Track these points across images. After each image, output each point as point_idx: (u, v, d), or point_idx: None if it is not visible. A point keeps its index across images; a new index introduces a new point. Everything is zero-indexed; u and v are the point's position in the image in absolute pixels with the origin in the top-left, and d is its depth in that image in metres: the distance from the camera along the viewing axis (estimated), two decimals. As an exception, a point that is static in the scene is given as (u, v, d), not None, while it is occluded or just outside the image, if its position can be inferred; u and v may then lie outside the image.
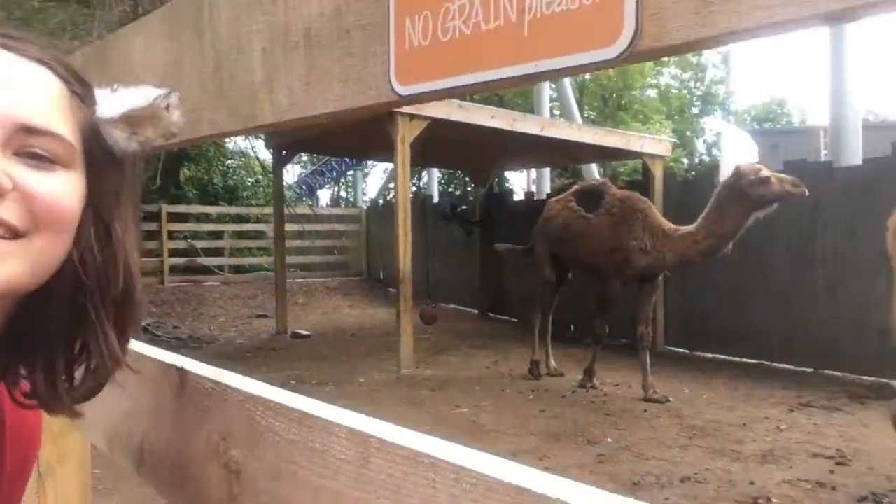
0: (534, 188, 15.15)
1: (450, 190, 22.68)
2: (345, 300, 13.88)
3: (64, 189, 0.68)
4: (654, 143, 8.86)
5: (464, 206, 12.29)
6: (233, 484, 0.83)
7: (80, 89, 0.73)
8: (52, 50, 0.73)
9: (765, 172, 5.09)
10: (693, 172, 16.30)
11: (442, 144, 8.90)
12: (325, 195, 25.49)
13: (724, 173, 8.91)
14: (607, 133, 8.97)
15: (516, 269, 10.63)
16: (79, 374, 0.78)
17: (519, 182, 21.72)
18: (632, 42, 0.46)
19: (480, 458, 0.55)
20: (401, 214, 7.46)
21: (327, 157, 18.19)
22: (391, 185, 26.15)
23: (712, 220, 5.46)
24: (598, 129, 8.89)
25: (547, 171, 14.63)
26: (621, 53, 0.47)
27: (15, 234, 0.65)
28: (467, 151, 10.07)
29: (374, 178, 28.54)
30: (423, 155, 9.02)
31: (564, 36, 0.50)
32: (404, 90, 0.64)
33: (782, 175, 5.21)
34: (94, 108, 0.73)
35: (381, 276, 15.01)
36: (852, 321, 6.32)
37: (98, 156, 0.73)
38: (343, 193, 28.00)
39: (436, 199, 15.50)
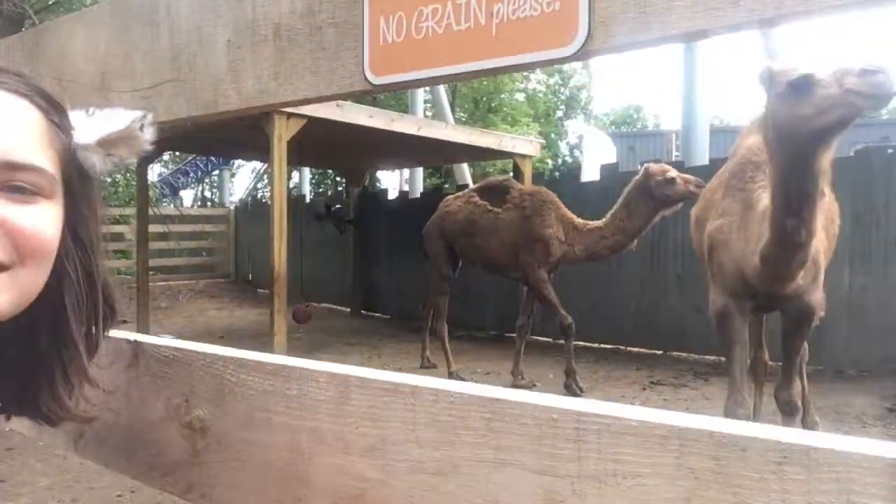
0: (406, 187, 15.36)
1: (320, 189, 22.50)
2: (212, 303, 13.44)
3: (45, 220, 0.71)
4: (524, 143, 9.28)
5: (338, 206, 12.28)
6: (196, 440, 0.90)
7: (57, 118, 0.74)
8: (28, 79, 0.74)
9: (671, 173, 5.38)
10: (557, 173, 17.15)
11: (317, 143, 8.87)
12: (188, 195, 24.53)
13: (587, 173, 9.42)
14: (481, 134, 9.29)
15: (388, 267, 10.80)
16: None
17: (390, 181, 21.89)
18: (584, 43, 0.60)
19: (454, 382, 0.68)
20: (276, 213, 7.38)
21: (192, 157, 17.52)
22: (260, 185, 25.60)
23: (620, 218, 5.70)
24: (473, 130, 9.19)
25: (420, 170, 14.88)
26: (575, 52, 0.60)
27: (0, 267, 0.68)
28: (343, 151, 10.07)
29: (242, 178, 27.76)
30: (298, 154, 8.95)
31: (527, 37, 0.63)
32: (378, 80, 0.75)
33: (687, 176, 5.50)
34: (72, 134, 0.75)
35: (251, 278, 14.67)
36: (695, 307, 6.93)
37: (76, 181, 0.75)
38: (207, 193, 27.05)
39: (308, 199, 15.33)
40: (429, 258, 7.00)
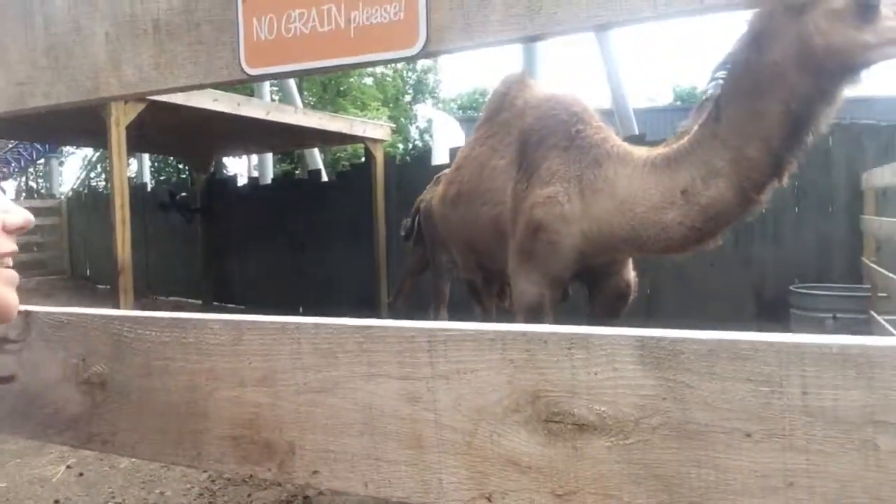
0: (256, 174, 15.05)
1: (161, 178, 21.48)
2: (47, 302, 12.37)
3: None
4: (375, 127, 9.43)
5: (183, 194, 11.85)
6: (95, 394, 1.00)
7: None
8: None
9: None
10: (408, 157, 17.44)
11: (159, 129, 8.55)
12: (9, 186, 22.51)
13: (437, 156, 9.71)
14: (332, 118, 9.33)
15: (241, 255, 10.62)
16: None
17: (237, 168, 21.28)
18: (424, 46, 0.78)
19: (333, 319, 0.84)
20: (118, 202, 7.09)
21: (13, 144, 16.14)
22: (94, 174, 23.98)
23: None
24: (324, 115, 9.22)
25: (269, 156, 14.63)
26: (417, 53, 0.78)
27: None
28: (188, 136, 9.75)
29: (71, 167, 25.83)
30: (139, 140, 8.59)
31: (379, 40, 0.80)
32: (253, 71, 0.88)
33: None
34: None
35: (89, 273, 13.84)
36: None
37: None
38: (32, 184, 24.96)
39: (150, 187, 14.63)
40: (423, 238, 5.73)
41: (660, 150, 2.77)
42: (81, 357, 1.00)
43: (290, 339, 0.84)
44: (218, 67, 0.91)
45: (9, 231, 0.81)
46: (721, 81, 2.49)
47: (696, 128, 2.61)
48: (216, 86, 0.93)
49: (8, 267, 0.82)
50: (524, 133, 3.27)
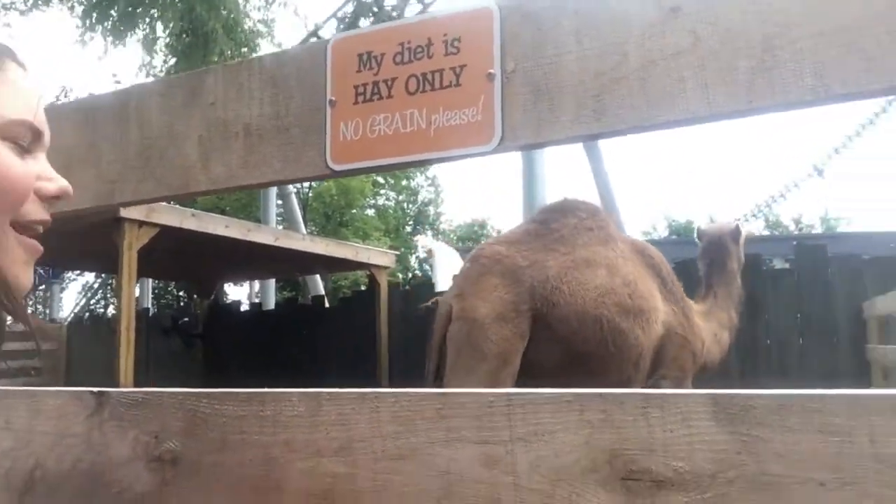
0: (257, 300, 15.16)
1: (162, 302, 21.59)
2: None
3: None
4: (380, 254, 9.65)
5: (185, 318, 11.90)
6: (166, 470, 1.02)
7: None
8: None
9: None
10: (407, 286, 17.61)
11: (169, 254, 8.74)
12: (9, 311, 22.46)
13: (439, 284, 9.85)
14: (339, 245, 9.57)
15: (240, 379, 10.50)
16: None
17: (239, 295, 21.44)
18: (500, 143, 0.88)
19: (410, 389, 0.89)
20: (123, 324, 7.13)
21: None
22: (94, 301, 24.05)
23: None
24: (330, 241, 9.46)
25: (272, 282, 14.80)
26: (494, 149, 0.88)
27: None
28: (195, 261, 9.94)
29: (70, 294, 25.95)
30: (146, 265, 8.75)
31: (458, 138, 0.91)
32: (338, 167, 0.98)
33: None
34: None
35: (84, 398, 13.60)
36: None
37: None
38: (31, 309, 24.98)
39: (151, 312, 14.69)
40: None
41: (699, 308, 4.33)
42: (154, 434, 1.03)
43: (370, 408, 0.89)
44: (305, 164, 1.02)
45: (43, 199, 0.79)
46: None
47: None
48: (302, 180, 1.04)
49: (35, 236, 0.79)
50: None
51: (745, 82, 0.80)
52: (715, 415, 0.72)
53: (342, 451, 0.90)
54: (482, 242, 4.92)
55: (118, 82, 15.12)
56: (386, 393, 0.88)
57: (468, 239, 31.39)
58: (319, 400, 0.92)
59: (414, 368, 6.98)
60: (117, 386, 6.92)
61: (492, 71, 0.91)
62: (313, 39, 12.81)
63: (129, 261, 7.30)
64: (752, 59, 0.80)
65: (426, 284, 11.48)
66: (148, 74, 13.03)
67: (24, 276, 0.79)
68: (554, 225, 3.83)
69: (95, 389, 1.11)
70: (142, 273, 13.31)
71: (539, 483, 0.79)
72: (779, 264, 10.18)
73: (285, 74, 1.05)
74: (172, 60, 12.76)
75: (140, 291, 19.84)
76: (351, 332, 9.03)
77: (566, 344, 3.56)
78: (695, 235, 4.75)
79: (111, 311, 21.11)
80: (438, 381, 3.76)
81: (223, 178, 1.08)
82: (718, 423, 0.72)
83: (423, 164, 1.00)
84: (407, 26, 0.99)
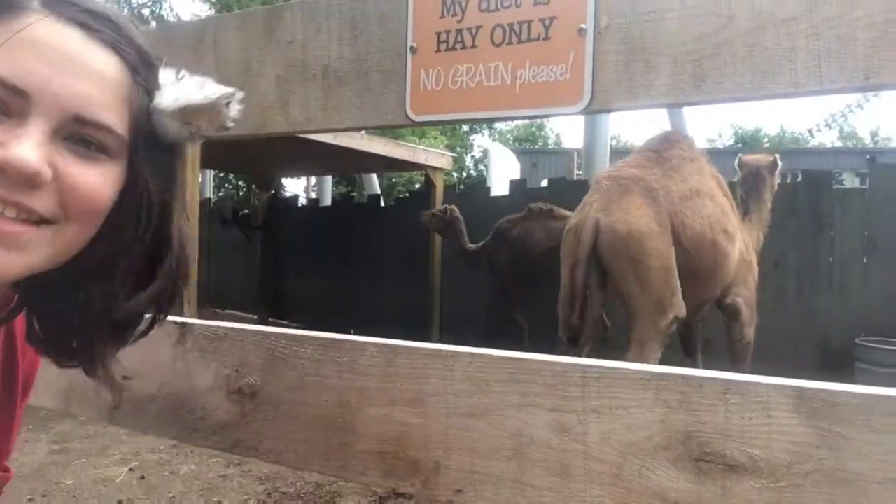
0: (314, 194, 15.39)
1: (220, 194, 22.09)
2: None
3: (103, 181, 0.70)
4: (437, 156, 9.59)
5: (245, 210, 12.17)
6: (245, 403, 1.08)
7: (144, 77, 0.72)
8: (125, 29, 0.72)
9: None
10: (462, 185, 17.61)
11: (226, 147, 8.84)
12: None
13: (494, 187, 9.80)
14: (396, 145, 9.52)
15: (298, 274, 10.83)
16: None
17: (295, 188, 21.77)
18: (588, 105, 0.85)
19: (484, 350, 0.90)
20: (191, 216, 7.37)
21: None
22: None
23: None
24: (388, 141, 9.42)
25: (328, 178, 14.95)
26: (581, 110, 0.85)
27: (41, 220, 0.66)
28: (254, 156, 10.04)
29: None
30: (205, 155, 8.90)
31: (544, 96, 0.87)
32: (417, 117, 0.96)
33: None
34: (154, 94, 0.73)
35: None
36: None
37: (147, 142, 0.73)
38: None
39: (212, 202, 15.05)
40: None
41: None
42: (235, 368, 1.08)
43: (443, 365, 0.91)
44: (383, 112, 1.00)
45: None
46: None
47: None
48: (379, 128, 1.02)
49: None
50: None
51: (864, 55, 0.74)
52: (797, 407, 0.71)
53: (414, 402, 0.93)
54: (610, 167, 5.45)
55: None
56: (461, 353, 0.90)
57: (525, 140, 30.90)
58: (394, 353, 0.95)
59: (465, 270, 7.07)
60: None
61: (583, 26, 0.86)
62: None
63: (193, 153, 7.44)
64: (873, 30, 0.74)
65: (481, 186, 11.44)
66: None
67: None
68: (665, 154, 4.34)
69: (179, 320, 1.15)
70: (204, 164, 13.60)
71: (609, 454, 0.80)
72: (849, 179, 9.74)
73: (366, 16, 1.02)
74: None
75: (201, 181, 20.32)
76: (405, 232, 9.13)
77: (687, 260, 4.05)
78: (735, 164, 5.15)
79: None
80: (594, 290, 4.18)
81: (301, 120, 1.07)
82: (800, 415, 0.71)
83: (504, 120, 0.98)
84: (494, -33, 0.94)
